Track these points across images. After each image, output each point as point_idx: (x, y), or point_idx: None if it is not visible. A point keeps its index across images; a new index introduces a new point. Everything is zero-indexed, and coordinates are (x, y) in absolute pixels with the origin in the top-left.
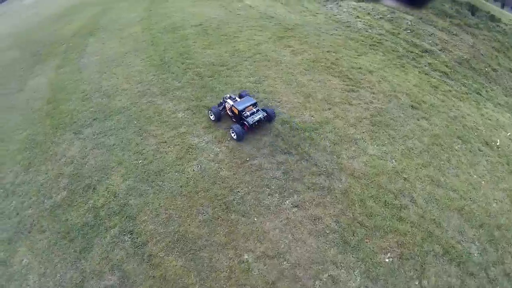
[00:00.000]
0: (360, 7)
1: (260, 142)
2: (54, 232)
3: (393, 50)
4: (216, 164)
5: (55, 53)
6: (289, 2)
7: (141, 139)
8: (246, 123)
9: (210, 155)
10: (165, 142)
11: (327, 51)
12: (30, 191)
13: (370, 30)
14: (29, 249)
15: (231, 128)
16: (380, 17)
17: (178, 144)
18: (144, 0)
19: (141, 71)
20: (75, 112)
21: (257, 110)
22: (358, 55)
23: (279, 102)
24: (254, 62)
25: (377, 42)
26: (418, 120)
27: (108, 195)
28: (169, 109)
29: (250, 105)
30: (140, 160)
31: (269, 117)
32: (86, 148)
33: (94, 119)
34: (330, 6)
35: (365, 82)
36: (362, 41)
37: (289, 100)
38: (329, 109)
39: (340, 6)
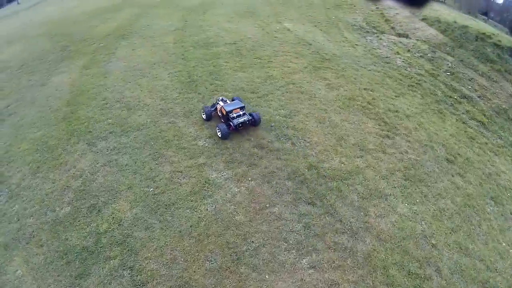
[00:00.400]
0: (401, 42)
1: (283, 187)
2: (52, 249)
3: (431, 93)
4: (232, 206)
5: (84, 52)
6: (329, 30)
7: (156, 164)
8: (232, 124)
9: (227, 194)
10: (181, 172)
11: (364, 88)
12: (34, 198)
13: (409, 69)
14: (24, 261)
15: (217, 126)
16: (420, 56)
17: (194, 176)
18: (181, 10)
19: (167, 87)
20: (92, 120)
21: (243, 114)
22: (396, 96)
23: (308, 142)
24: (287, 92)
25: (416, 83)
26: (453, 176)
27: (113, 221)
28: (190, 134)
29: (238, 108)
30: (151, 188)
31: (254, 122)
32: (97, 163)
33: (110, 132)
34: (370, 38)
35: (402, 128)
36: (401, 80)
37: (320, 141)
38: (361, 156)
39: (380, 39)
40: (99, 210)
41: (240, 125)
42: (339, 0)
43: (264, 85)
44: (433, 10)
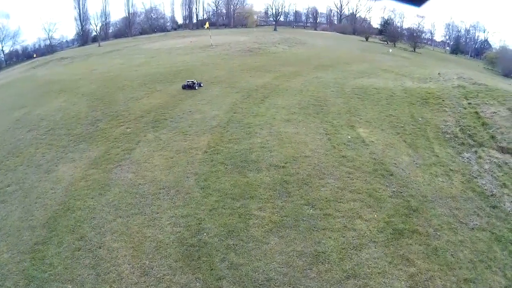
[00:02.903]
0: (506, 164)
1: None
2: None
3: None
4: None
5: (107, 136)
6: (416, 141)
7: None
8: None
9: None
10: None
11: (464, 279)
12: None
13: None
14: None
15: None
16: None
17: None
18: (238, 92)
19: (158, 248)
20: (50, 276)
21: (193, 83)
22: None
23: None
24: None
25: None
26: None
27: None
28: None
29: (191, 81)
30: None
31: (199, 85)
32: None
33: None
34: (467, 156)
35: None
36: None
37: None
38: None
39: (479, 157)
40: None
41: (187, 85)
42: (425, 92)
43: (307, 277)
44: None
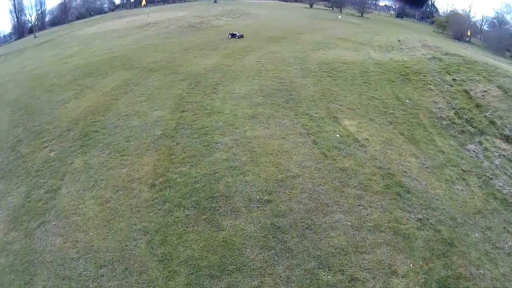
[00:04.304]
0: None
1: None
2: None
3: None
4: None
5: (27, 168)
6: (414, 133)
7: None
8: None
9: None
10: None
11: None
12: None
13: None
14: None
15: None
16: None
17: None
18: (183, 79)
19: None
20: None
21: (235, 34)
22: None
23: None
24: None
25: None
26: None
27: None
28: None
29: (235, 33)
30: None
31: (240, 36)
32: None
33: None
34: (472, 149)
35: None
36: None
37: None
38: None
39: (485, 150)
40: None
41: (232, 34)
42: (402, 66)
43: None
44: None
